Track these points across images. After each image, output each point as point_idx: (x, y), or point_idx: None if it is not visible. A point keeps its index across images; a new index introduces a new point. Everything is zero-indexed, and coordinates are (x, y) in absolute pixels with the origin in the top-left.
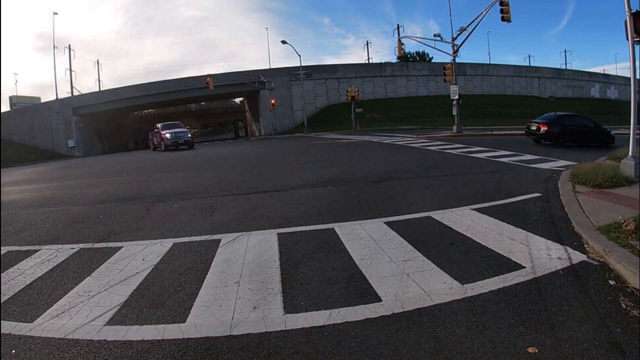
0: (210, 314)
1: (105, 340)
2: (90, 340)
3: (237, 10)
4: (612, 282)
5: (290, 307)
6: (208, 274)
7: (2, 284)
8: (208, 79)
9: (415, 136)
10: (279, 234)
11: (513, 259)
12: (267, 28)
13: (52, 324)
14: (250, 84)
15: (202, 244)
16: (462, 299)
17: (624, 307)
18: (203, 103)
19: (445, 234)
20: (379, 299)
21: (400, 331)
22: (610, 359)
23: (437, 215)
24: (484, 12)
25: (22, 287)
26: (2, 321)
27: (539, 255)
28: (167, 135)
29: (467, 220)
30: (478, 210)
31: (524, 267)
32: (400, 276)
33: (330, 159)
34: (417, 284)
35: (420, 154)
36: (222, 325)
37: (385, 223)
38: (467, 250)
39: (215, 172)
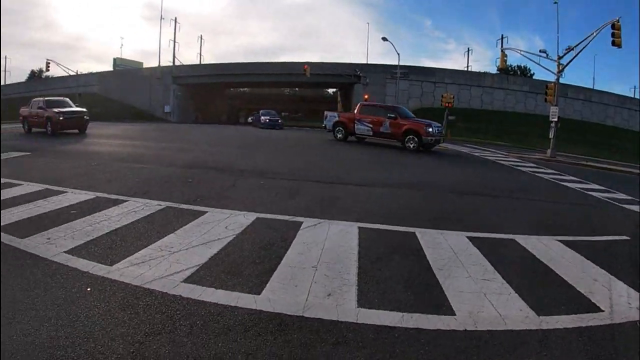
0: (285, 292)
1: (180, 295)
2: (165, 293)
3: (339, 1)
4: None
5: (364, 301)
6: (287, 252)
7: (86, 225)
8: (305, 67)
9: (506, 153)
10: (359, 228)
11: (593, 300)
12: (368, 23)
13: (131, 271)
14: (345, 77)
15: (284, 224)
16: (536, 330)
17: None
18: (297, 89)
19: (527, 260)
20: (452, 313)
21: (471, 349)
22: None
23: (520, 239)
24: (595, 34)
25: (107, 231)
26: (80, 260)
27: (619, 302)
28: (430, 129)
29: (551, 251)
30: (563, 242)
31: (603, 311)
32: (477, 294)
33: (417, 163)
34: (493, 305)
35: (509, 173)
36: (296, 305)
37: (467, 237)
38: (548, 281)
39: (303, 158)
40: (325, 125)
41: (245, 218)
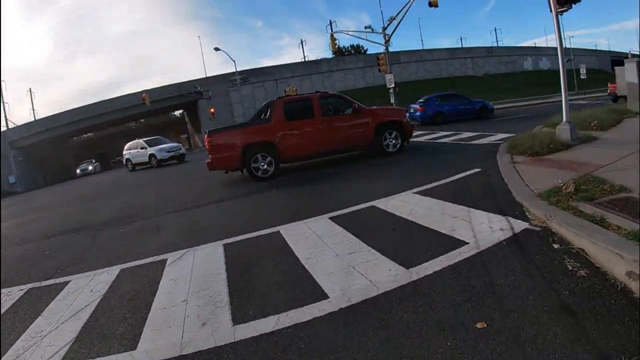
0: (160, 337)
1: None
2: None
3: (169, 20)
4: (556, 246)
5: (239, 317)
6: (156, 296)
7: None
8: (144, 95)
9: None
10: (224, 245)
11: (456, 237)
12: (199, 37)
13: None
14: (187, 95)
15: (149, 266)
16: (408, 284)
17: (571, 268)
18: (142, 120)
19: (389, 221)
20: (326, 296)
21: (349, 325)
22: (561, 322)
23: (380, 203)
24: (411, 0)
25: None
26: None
27: (481, 230)
28: None
29: (409, 205)
30: (420, 193)
31: (467, 243)
32: (346, 270)
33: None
34: (363, 275)
35: None
36: (172, 346)
37: (330, 218)
38: (411, 234)
39: (156, 191)
40: None
41: (109, 274)
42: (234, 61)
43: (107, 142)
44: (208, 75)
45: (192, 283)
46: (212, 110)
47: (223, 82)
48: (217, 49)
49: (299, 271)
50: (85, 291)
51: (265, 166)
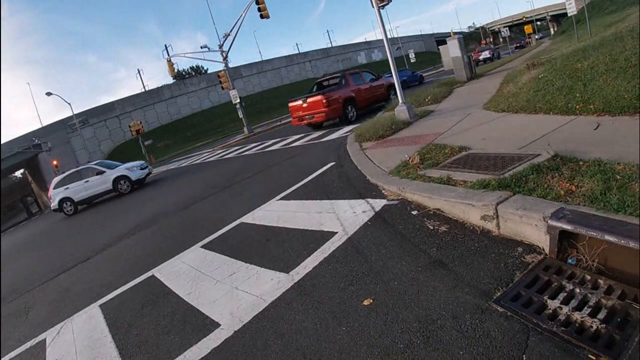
0: None
1: None
2: None
3: None
4: (414, 212)
5: None
6: None
7: None
8: None
9: (211, 149)
10: (101, 306)
11: (325, 230)
12: (28, 83)
13: None
14: (24, 151)
15: (29, 353)
16: (292, 287)
17: (432, 228)
18: None
19: (260, 233)
20: (217, 325)
21: (247, 345)
22: (436, 276)
23: (247, 218)
24: (243, 15)
25: None
26: None
27: (346, 217)
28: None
29: (275, 213)
30: (283, 198)
31: (337, 233)
32: (230, 293)
33: (128, 203)
34: (248, 292)
35: (220, 165)
36: None
37: (202, 247)
38: (284, 239)
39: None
40: None
41: None
42: (69, 104)
43: None
44: (45, 124)
45: (79, 356)
46: (54, 162)
47: (62, 128)
48: (49, 94)
49: (184, 308)
50: None
51: (352, 113)
